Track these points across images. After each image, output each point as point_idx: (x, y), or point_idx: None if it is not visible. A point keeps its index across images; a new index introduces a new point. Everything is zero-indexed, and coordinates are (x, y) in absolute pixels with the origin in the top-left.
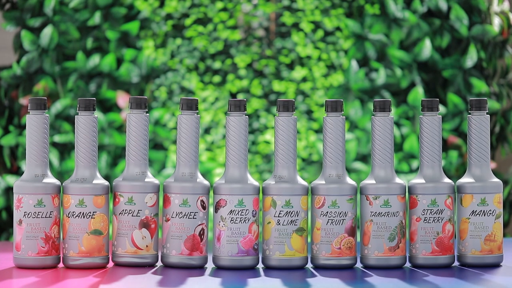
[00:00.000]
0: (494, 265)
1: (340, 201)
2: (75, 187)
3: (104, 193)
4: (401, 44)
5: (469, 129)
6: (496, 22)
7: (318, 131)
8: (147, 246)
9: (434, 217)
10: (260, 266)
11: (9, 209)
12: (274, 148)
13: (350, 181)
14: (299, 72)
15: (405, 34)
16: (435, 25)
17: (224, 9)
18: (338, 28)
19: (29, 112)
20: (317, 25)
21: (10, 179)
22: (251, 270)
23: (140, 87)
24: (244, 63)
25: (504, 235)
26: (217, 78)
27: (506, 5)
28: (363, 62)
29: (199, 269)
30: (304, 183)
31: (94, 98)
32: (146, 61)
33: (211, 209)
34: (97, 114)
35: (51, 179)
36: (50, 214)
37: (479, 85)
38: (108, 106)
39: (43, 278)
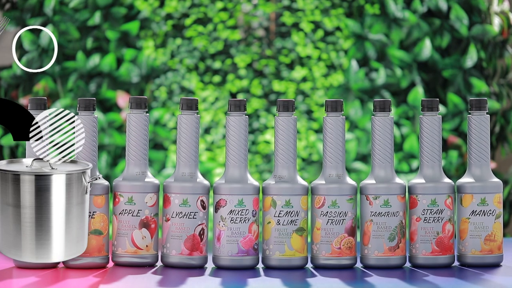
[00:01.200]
0: (494, 265)
1: (340, 201)
2: None
3: (104, 193)
4: (401, 44)
5: (469, 129)
6: (496, 22)
7: (318, 131)
8: (147, 246)
9: (434, 217)
10: (260, 266)
11: None
12: (274, 148)
13: (350, 181)
14: (299, 72)
15: (405, 34)
16: (435, 25)
17: (224, 9)
18: (338, 28)
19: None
20: (317, 25)
21: None
22: (251, 270)
23: (140, 87)
24: (244, 63)
25: (504, 235)
26: (217, 78)
27: (506, 5)
28: (363, 62)
29: (199, 269)
30: (304, 183)
31: (94, 98)
32: (146, 61)
33: (211, 209)
34: (97, 114)
35: None
36: None
37: (479, 85)
38: (108, 106)
39: (43, 278)
